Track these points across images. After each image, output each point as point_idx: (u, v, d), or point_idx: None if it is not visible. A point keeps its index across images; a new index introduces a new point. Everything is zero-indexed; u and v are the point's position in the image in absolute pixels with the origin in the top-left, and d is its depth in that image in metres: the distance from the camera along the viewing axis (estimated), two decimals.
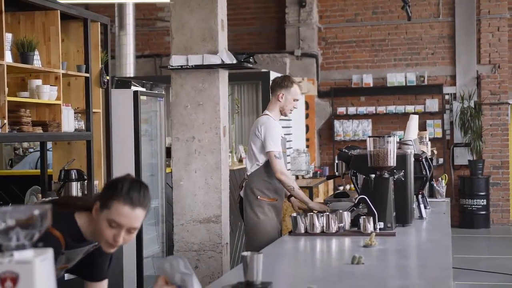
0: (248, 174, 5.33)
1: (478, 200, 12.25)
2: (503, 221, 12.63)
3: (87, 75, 5.62)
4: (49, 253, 1.81)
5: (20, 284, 1.72)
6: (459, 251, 10.01)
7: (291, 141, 10.48)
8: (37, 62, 4.99)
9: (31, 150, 8.97)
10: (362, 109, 12.89)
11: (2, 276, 1.72)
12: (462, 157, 12.61)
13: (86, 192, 5.65)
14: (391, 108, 12.77)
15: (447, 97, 12.77)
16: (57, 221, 2.56)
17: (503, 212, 12.66)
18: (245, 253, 2.77)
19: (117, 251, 5.38)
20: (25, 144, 8.87)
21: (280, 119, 9.19)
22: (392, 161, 4.43)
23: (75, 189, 5.43)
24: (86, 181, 5.59)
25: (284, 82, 5.36)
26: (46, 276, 1.78)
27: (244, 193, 5.34)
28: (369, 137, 4.52)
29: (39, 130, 4.98)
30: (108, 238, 2.58)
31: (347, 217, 4.38)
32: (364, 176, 4.57)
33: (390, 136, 4.47)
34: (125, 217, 2.54)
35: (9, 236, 1.76)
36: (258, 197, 5.24)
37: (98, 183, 5.85)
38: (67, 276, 4.57)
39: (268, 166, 5.28)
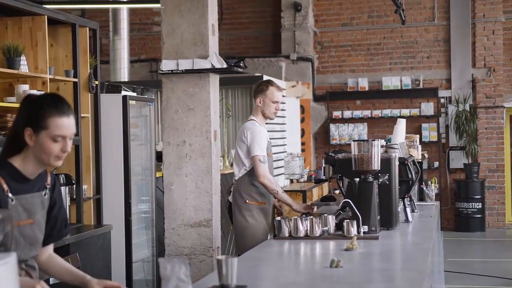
0: (236, 178, 5.42)
1: (473, 203, 12.25)
2: (498, 224, 12.63)
3: (76, 80, 5.64)
4: (12, 257, 1.83)
5: None
6: (454, 254, 10.02)
7: (285, 145, 10.50)
8: (24, 67, 5.01)
9: None
10: (358, 113, 12.91)
11: None
12: (458, 160, 12.61)
13: (75, 197, 5.67)
14: (387, 112, 12.79)
15: (442, 100, 12.79)
16: None
17: (499, 215, 12.66)
18: (219, 257, 2.79)
19: (105, 254, 5.42)
20: None
21: (273, 123, 9.22)
22: (376, 165, 4.44)
23: (64, 193, 5.45)
24: (74, 186, 5.61)
25: (260, 87, 5.48)
26: (8, 280, 1.79)
27: (233, 197, 5.42)
28: (354, 141, 4.54)
29: None
30: (56, 153, 2.69)
31: (331, 220, 4.38)
32: (348, 180, 4.59)
33: (374, 140, 4.48)
34: (66, 127, 2.70)
35: None
36: (247, 201, 5.33)
37: (87, 188, 5.87)
38: None
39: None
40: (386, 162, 4.59)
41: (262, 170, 5.19)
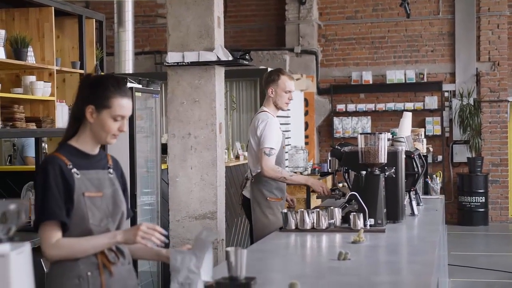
0: (254, 174, 5.24)
1: (476, 197, 12.26)
2: (501, 218, 12.64)
3: (82, 71, 5.64)
4: (26, 247, 1.83)
5: None
6: (457, 248, 10.03)
7: (289, 137, 10.50)
8: (31, 59, 5.01)
9: None
10: (362, 106, 12.91)
11: None
12: (461, 154, 12.62)
13: None
14: (391, 105, 12.79)
15: (446, 94, 12.79)
16: (55, 151, 2.88)
17: (502, 209, 12.67)
18: (228, 249, 2.79)
19: None
20: None
21: (278, 115, 9.18)
22: (383, 158, 4.44)
23: None
24: None
25: (271, 76, 5.32)
26: (23, 269, 1.81)
27: (252, 194, 5.24)
28: (360, 134, 4.53)
29: (32, 126, 5.00)
30: (113, 132, 2.86)
31: (338, 213, 4.38)
32: (355, 173, 4.59)
33: (381, 133, 4.48)
34: (126, 108, 2.86)
35: None
36: (268, 198, 5.17)
37: None
38: None
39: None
40: (392, 155, 4.59)
41: (265, 164, 5.05)
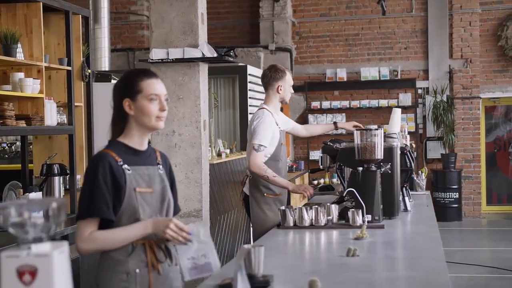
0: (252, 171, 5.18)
1: (450, 193, 12.39)
2: (474, 214, 12.79)
3: (69, 68, 5.55)
4: (65, 246, 1.79)
5: (38, 277, 1.70)
6: None
7: None
8: (19, 55, 4.91)
9: (4, 144, 8.86)
10: (336, 103, 12.94)
11: (20, 270, 1.70)
12: (435, 150, 12.74)
13: (68, 187, 5.59)
14: (365, 102, 12.84)
15: (420, 91, 12.89)
16: (106, 147, 2.91)
17: (475, 205, 12.81)
18: (246, 246, 2.76)
19: None
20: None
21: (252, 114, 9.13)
22: (379, 154, 4.45)
23: (57, 183, 5.37)
24: (68, 176, 5.53)
25: (278, 73, 5.31)
26: (64, 269, 1.76)
27: (250, 190, 5.24)
28: (357, 130, 4.53)
29: (22, 123, 4.90)
30: (156, 113, 2.87)
31: (335, 210, 4.38)
32: (351, 169, 4.59)
33: (377, 129, 4.49)
34: (157, 87, 2.89)
35: (26, 229, 1.74)
36: (265, 194, 5.18)
37: (80, 178, 5.79)
38: None
39: (271, 162, 5.17)
40: (388, 151, 4.60)
41: (252, 159, 5.04)
